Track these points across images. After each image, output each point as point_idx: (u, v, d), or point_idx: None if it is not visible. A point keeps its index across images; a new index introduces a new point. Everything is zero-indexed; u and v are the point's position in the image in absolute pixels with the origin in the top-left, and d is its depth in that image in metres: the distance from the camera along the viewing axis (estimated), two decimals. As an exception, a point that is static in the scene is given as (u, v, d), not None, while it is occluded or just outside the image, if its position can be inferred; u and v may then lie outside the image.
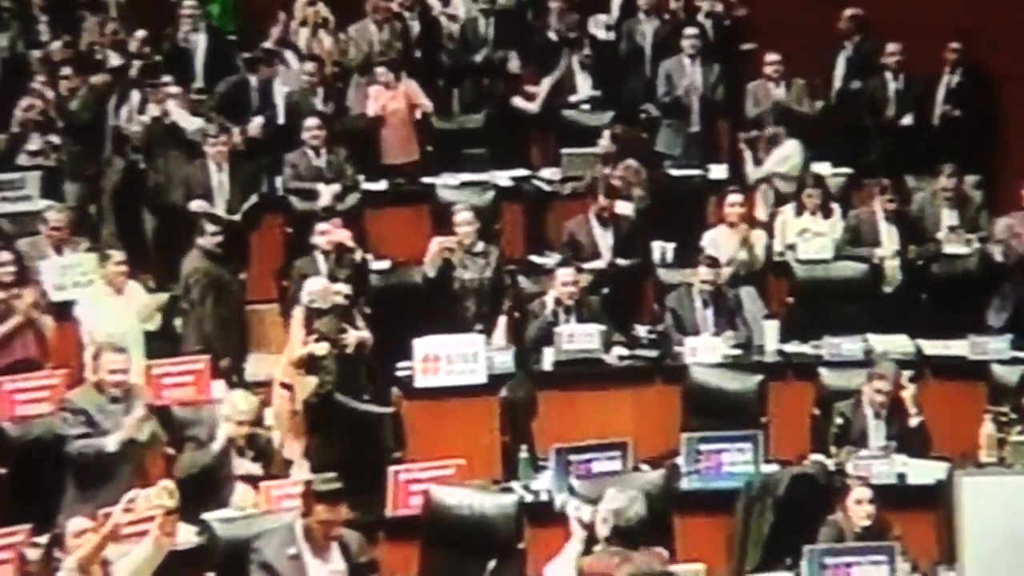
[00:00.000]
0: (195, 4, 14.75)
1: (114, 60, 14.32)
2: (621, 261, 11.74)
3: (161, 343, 10.99)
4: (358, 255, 11.38)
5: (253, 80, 13.74)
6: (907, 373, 10.09)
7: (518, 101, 14.36)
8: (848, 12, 14.44)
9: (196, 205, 12.04)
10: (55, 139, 12.95)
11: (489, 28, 15.26)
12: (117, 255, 10.60)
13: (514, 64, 14.34)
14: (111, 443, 8.71)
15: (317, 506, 7.49)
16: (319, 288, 10.46)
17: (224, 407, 9.05)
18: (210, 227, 11.16)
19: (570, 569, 7.40)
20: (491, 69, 14.63)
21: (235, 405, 9.05)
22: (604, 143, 13.09)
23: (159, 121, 12.98)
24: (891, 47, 13.83)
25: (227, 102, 13.62)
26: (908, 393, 9.73)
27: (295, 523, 7.56)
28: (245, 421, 8.96)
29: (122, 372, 8.92)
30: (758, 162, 13.13)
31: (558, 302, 10.91)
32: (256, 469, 8.91)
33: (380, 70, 13.88)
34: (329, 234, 11.31)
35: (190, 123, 13.00)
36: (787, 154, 13.03)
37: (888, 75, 13.85)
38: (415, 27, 15.13)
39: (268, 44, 14.45)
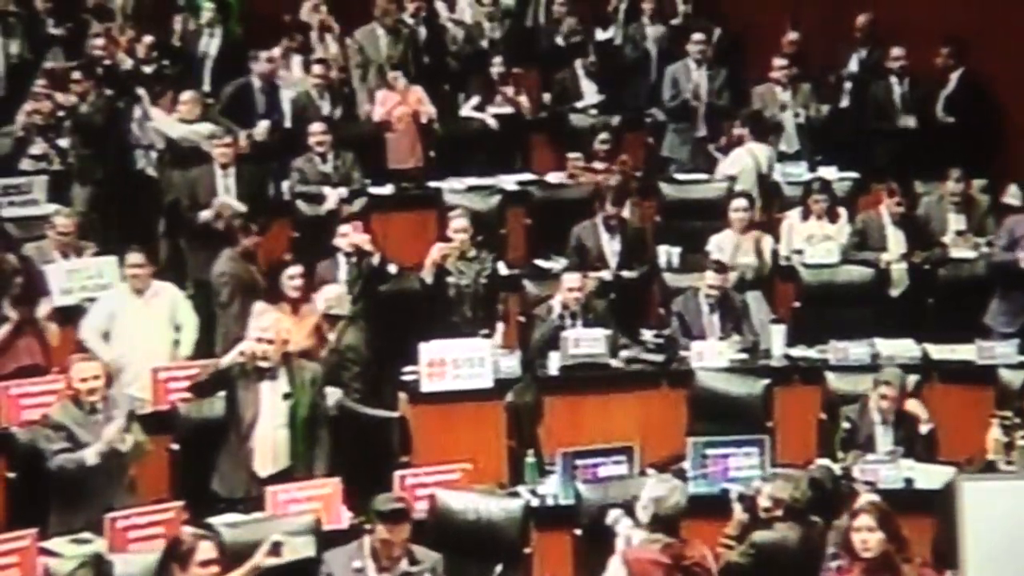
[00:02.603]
0: (213, 7, 14.80)
1: (125, 65, 14.34)
2: (627, 273, 11.74)
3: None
4: (376, 258, 11.36)
5: (257, 81, 13.74)
6: (912, 378, 10.10)
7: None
8: (862, 17, 14.45)
9: (205, 215, 12.05)
10: (62, 143, 12.96)
11: (495, 33, 15.28)
12: (132, 257, 10.47)
13: (495, 69, 14.30)
14: (90, 456, 8.59)
15: (378, 525, 7.47)
16: (335, 294, 10.46)
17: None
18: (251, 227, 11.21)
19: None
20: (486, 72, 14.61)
21: (257, 322, 9.07)
22: (600, 144, 13.10)
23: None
24: (895, 51, 13.83)
25: (232, 104, 13.63)
26: (914, 403, 9.71)
27: (364, 539, 7.57)
28: (264, 339, 8.92)
29: (93, 380, 8.82)
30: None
31: (564, 307, 10.91)
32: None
33: (393, 74, 13.90)
34: (349, 236, 11.31)
35: (173, 130, 12.98)
36: (739, 157, 13.05)
37: (893, 79, 13.83)
38: (421, 32, 15.14)
39: (277, 50, 14.48)
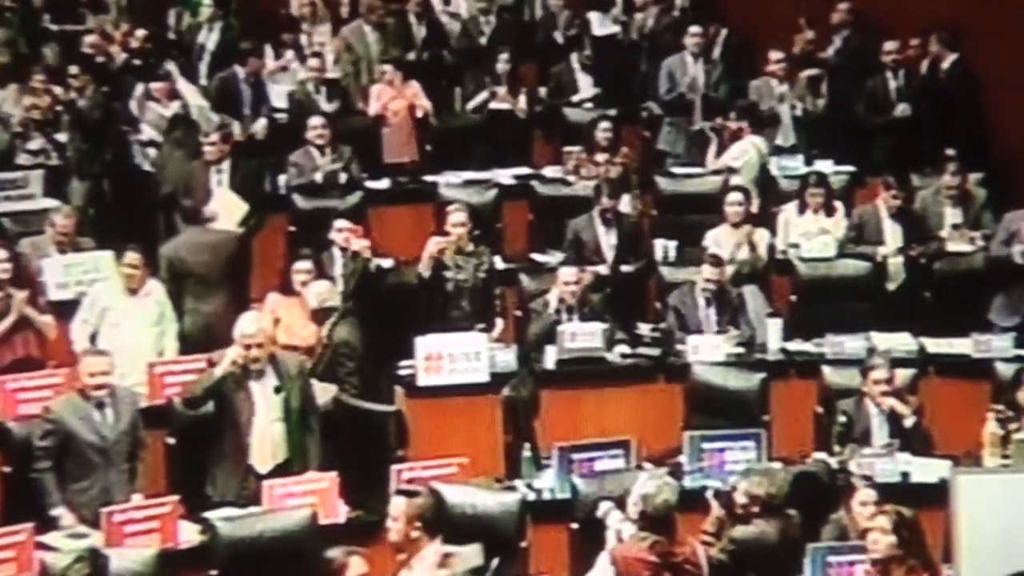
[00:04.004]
0: (211, 3, 14.81)
1: (120, 58, 14.35)
2: (625, 268, 11.74)
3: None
4: (372, 265, 11.35)
5: (241, 73, 13.77)
6: (907, 372, 10.11)
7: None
8: (842, 5, 14.45)
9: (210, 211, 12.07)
10: (60, 138, 12.96)
11: (489, 27, 15.27)
12: (130, 256, 10.43)
13: (501, 65, 14.28)
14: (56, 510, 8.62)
15: None
16: (325, 288, 10.46)
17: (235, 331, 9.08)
18: None
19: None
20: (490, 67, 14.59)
21: (241, 328, 9.02)
22: (603, 133, 13.10)
23: (181, 118, 13.03)
24: (889, 45, 13.80)
25: (220, 97, 13.65)
26: (892, 401, 9.71)
27: None
28: (253, 343, 8.93)
29: (102, 375, 8.83)
30: (719, 153, 13.20)
31: (561, 301, 10.91)
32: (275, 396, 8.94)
33: (387, 68, 13.91)
34: (345, 234, 11.31)
35: (193, 97, 13.05)
36: (743, 150, 13.04)
37: (888, 73, 13.81)
38: (417, 27, 15.14)
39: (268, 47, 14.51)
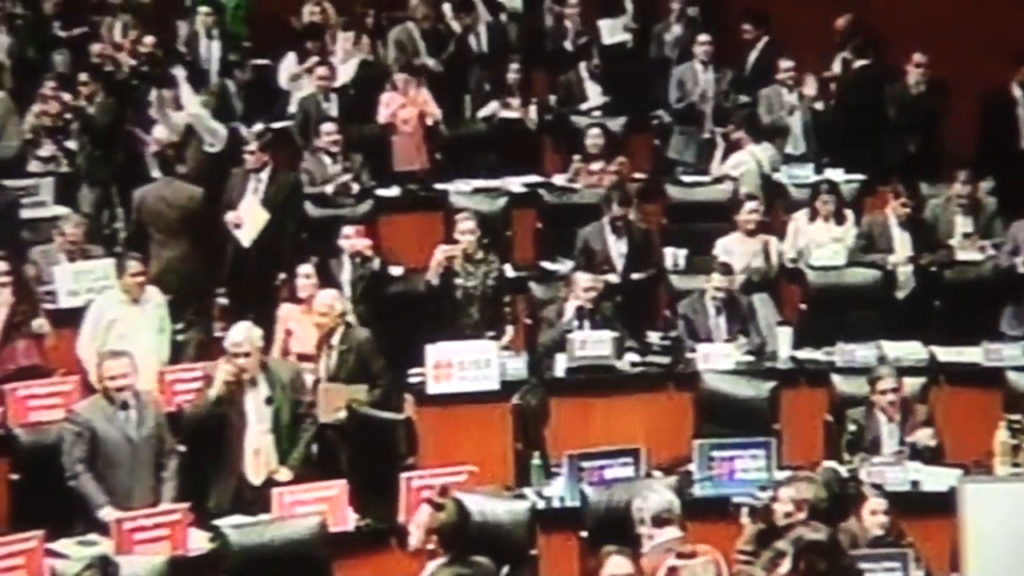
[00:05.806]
0: (209, 10, 14.82)
1: (128, 64, 14.37)
2: (635, 276, 11.74)
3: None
4: (376, 263, 11.38)
5: (232, 86, 13.84)
6: (911, 381, 10.10)
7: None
8: (842, 20, 14.46)
9: (229, 216, 12.05)
10: (71, 144, 12.97)
11: (498, 35, 15.28)
12: (133, 265, 10.45)
13: (512, 75, 14.27)
14: (106, 514, 8.59)
15: None
16: (333, 297, 10.49)
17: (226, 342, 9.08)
18: None
19: None
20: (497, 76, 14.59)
21: (230, 338, 9.00)
22: (592, 140, 13.09)
23: (191, 128, 13.08)
24: (918, 57, 13.69)
25: (214, 109, 13.71)
26: (920, 433, 9.68)
27: None
28: (240, 353, 8.93)
29: (123, 377, 8.85)
30: (723, 159, 13.25)
31: (579, 309, 10.88)
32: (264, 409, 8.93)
33: (399, 76, 13.93)
34: (351, 240, 11.33)
35: (195, 108, 13.11)
36: (741, 160, 13.07)
37: (909, 81, 13.74)
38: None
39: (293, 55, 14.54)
